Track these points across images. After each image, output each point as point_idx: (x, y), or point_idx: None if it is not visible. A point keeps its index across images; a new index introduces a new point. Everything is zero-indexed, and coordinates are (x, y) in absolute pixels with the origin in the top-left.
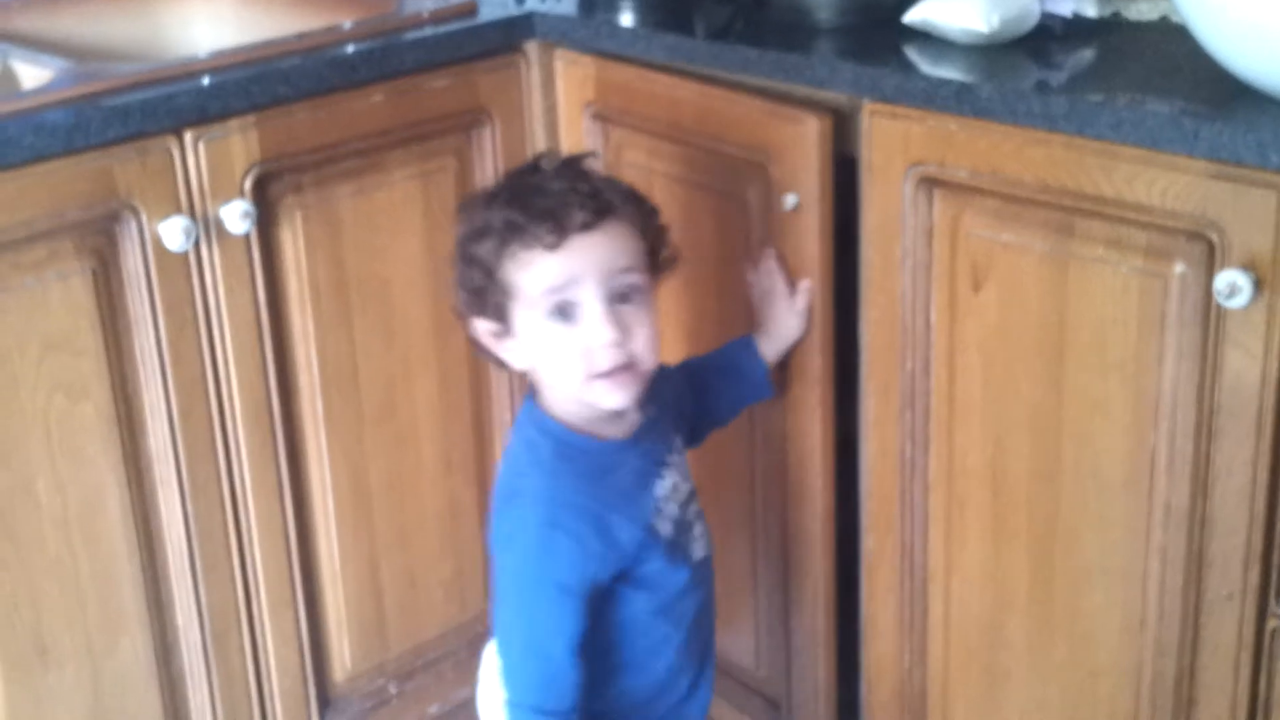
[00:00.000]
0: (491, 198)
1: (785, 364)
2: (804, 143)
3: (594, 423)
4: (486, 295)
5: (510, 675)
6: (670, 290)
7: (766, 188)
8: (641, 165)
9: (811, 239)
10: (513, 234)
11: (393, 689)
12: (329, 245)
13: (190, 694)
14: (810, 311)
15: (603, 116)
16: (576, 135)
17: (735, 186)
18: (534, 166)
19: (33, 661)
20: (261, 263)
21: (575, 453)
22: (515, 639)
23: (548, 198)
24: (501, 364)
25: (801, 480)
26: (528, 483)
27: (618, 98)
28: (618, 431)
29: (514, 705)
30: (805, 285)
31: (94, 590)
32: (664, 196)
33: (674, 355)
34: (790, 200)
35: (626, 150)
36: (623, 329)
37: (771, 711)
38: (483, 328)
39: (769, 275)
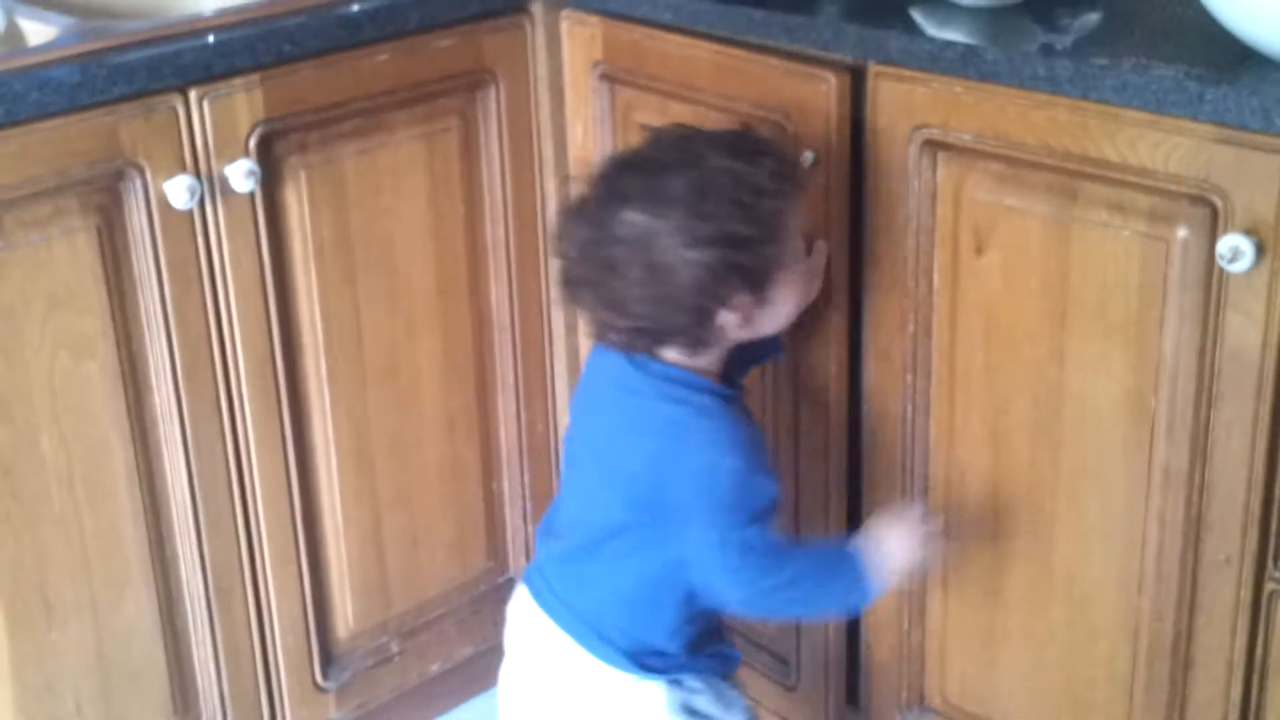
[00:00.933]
0: (724, 171)
1: (802, 323)
2: (824, 100)
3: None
4: (754, 262)
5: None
6: None
7: (783, 146)
8: (651, 125)
9: (830, 196)
10: (783, 180)
11: (395, 647)
12: (333, 204)
13: (194, 650)
14: (826, 270)
15: (610, 76)
16: (583, 96)
17: None
18: (689, 132)
19: (38, 617)
20: (266, 222)
21: (733, 401)
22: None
23: (756, 142)
24: (711, 349)
25: (817, 438)
26: (705, 436)
27: (626, 57)
28: None
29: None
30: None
31: (98, 547)
32: None
33: None
34: (809, 156)
35: (636, 110)
36: None
37: (780, 667)
38: (736, 311)
39: None
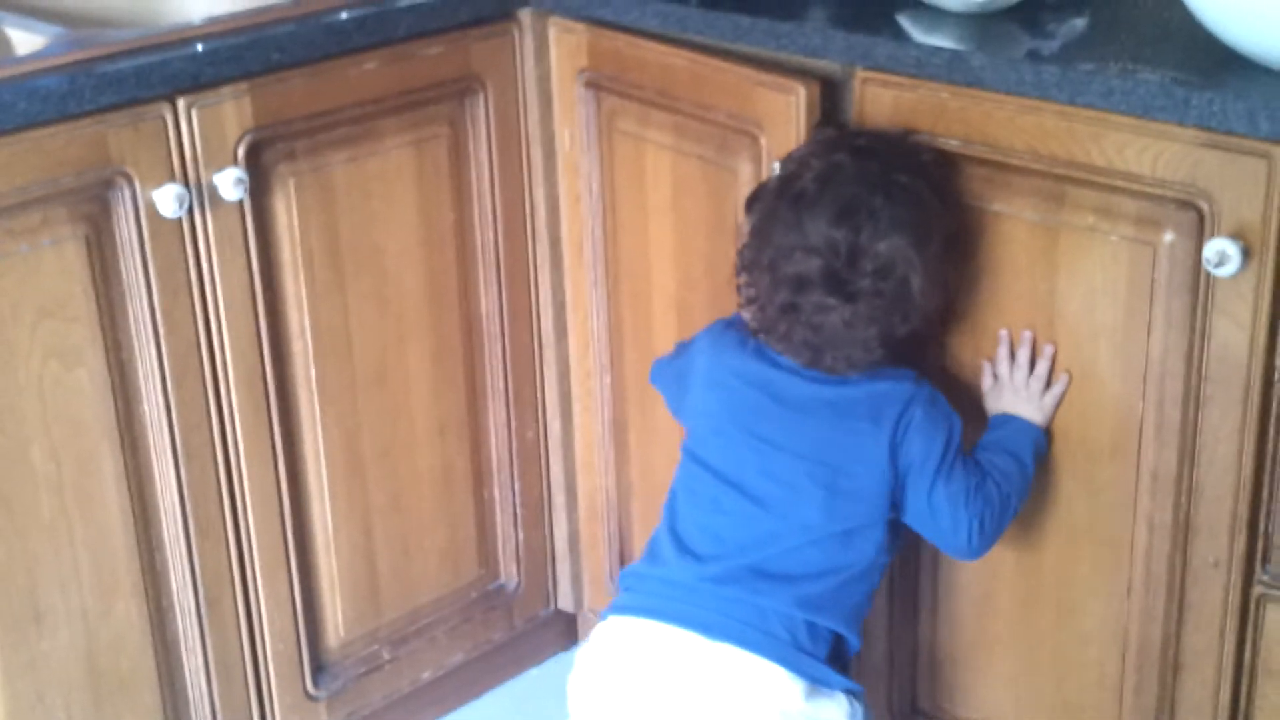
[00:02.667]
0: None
1: None
2: (792, 111)
3: None
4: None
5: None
6: (660, 260)
7: (756, 157)
8: (633, 133)
9: None
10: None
11: (386, 654)
12: (322, 212)
13: (184, 658)
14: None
15: (595, 84)
16: (569, 103)
17: (725, 156)
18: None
19: (28, 626)
20: (255, 230)
21: None
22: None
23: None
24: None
25: None
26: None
27: (610, 65)
28: None
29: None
30: (1064, 379)
31: (88, 556)
32: (655, 165)
33: (665, 324)
34: (776, 168)
35: (619, 118)
36: None
37: None
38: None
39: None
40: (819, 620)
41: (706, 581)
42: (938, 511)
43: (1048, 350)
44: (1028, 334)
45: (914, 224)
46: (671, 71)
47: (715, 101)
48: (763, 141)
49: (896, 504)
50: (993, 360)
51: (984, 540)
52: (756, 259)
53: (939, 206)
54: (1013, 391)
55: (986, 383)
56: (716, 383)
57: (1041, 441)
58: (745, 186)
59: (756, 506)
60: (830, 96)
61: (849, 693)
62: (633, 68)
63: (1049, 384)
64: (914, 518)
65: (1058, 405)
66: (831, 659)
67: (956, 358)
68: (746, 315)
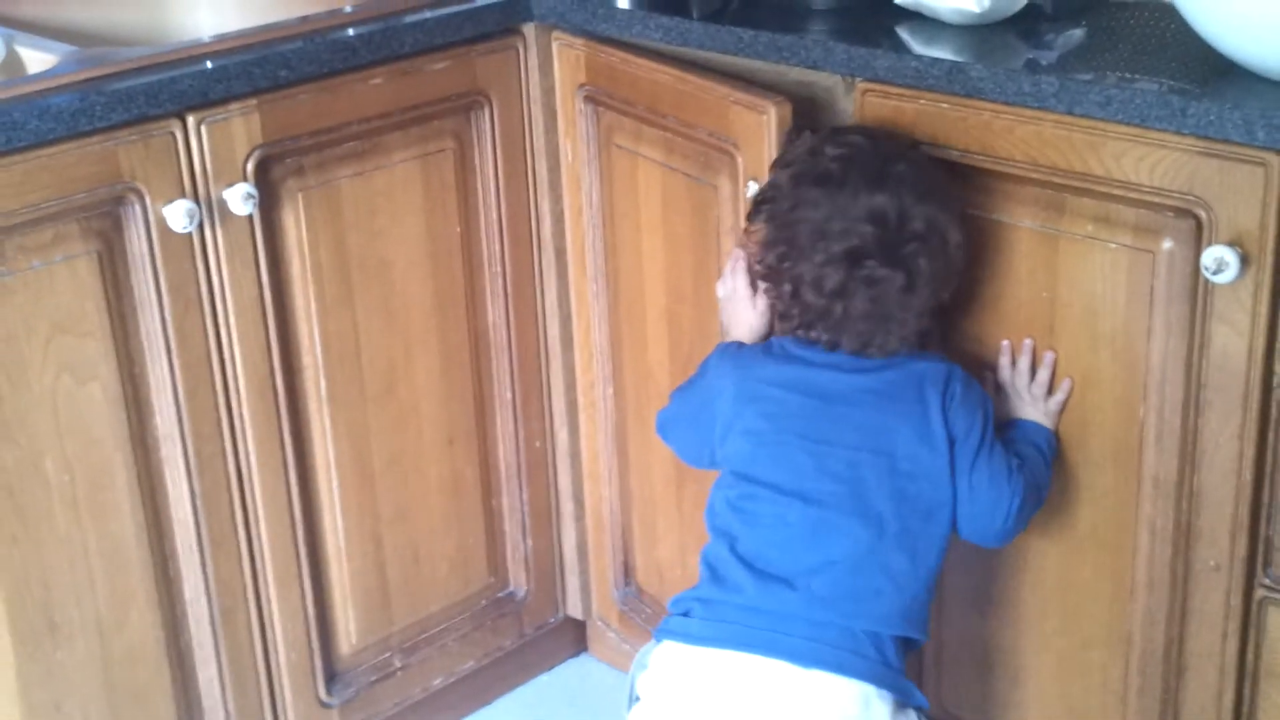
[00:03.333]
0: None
1: None
2: (764, 130)
3: None
4: None
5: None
6: (652, 273)
7: (735, 174)
8: (628, 148)
9: None
10: None
11: (397, 662)
12: (331, 226)
13: (199, 668)
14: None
15: (594, 99)
16: (571, 117)
17: (708, 173)
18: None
19: (43, 637)
20: (264, 244)
21: None
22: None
23: None
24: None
25: None
26: (942, 361)
27: (605, 81)
28: None
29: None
30: (1066, 385)
31: (102, 567)
32: (647, 180)
33: (658, 337)
34: (752, 188)
35: (616, 133)
36: None
37: None
38: None
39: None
40: (906, 633)
41: (796, 606)
42: (977, 490)
43: (1048, 358)
44: (1028, 342)
45: (938, 189)
46: (659, 88)
47: (697, 119)
48: (739, 160)
49: None
50: (994, 369)
51: (1019, 522)
52: (788, 256)
53: (947, 177)
54: (1017, 397)
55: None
56: (752, 397)
57: (1053, 442)
58: (726, 204)
59: (823, 510)
60: (811, 113)
61: (919, 709)
62: (626, 84)
63: (1051, 390)
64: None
65: (1062, 411)
66: (907, 666)
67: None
68: (784, 318)
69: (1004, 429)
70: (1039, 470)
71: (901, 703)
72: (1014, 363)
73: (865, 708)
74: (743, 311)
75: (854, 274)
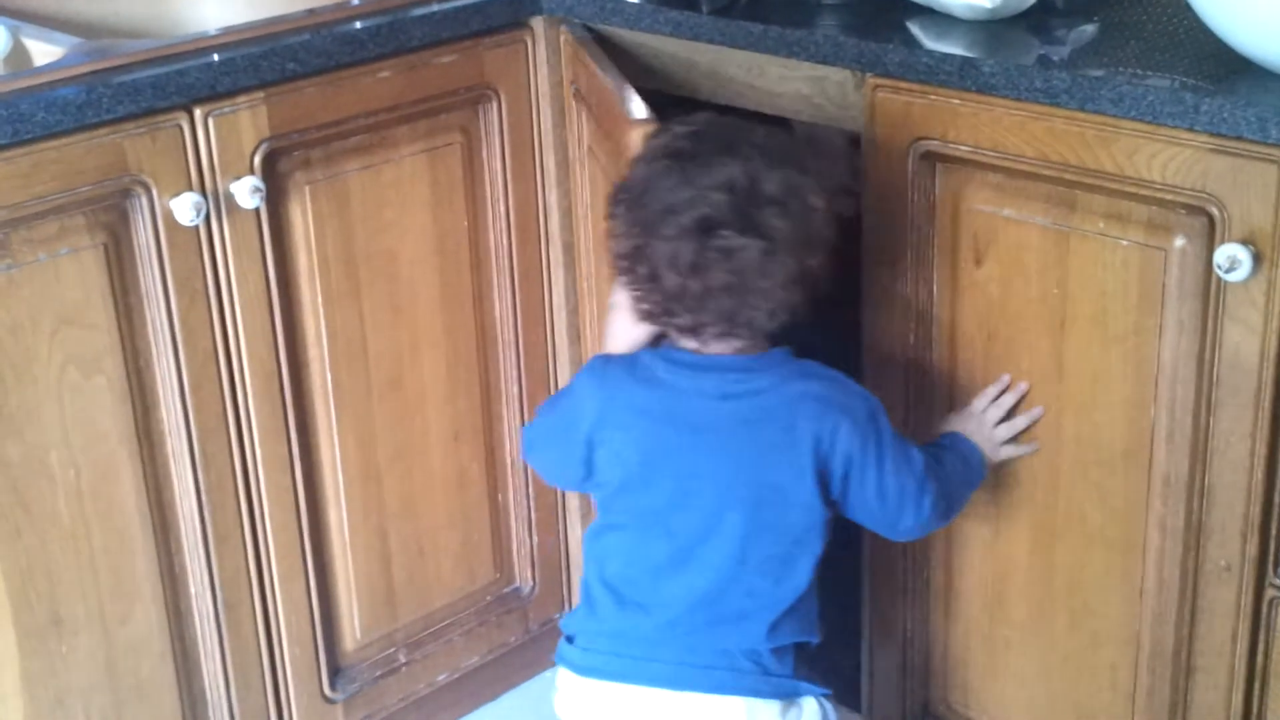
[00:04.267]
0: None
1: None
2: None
3: None
4: None
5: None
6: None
7: None
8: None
9: None
10: None
11: (402, 657)
12: (338, 220)
13: (203, 663)
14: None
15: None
16: (579, 112)
17: None
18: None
19: (47, 631)
20: (271, 237)
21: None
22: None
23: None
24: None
25: None
26: (816, 379)
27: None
28: None
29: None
30: (1020, 421)
31: (107, 561)
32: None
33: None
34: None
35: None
36: None
37: None
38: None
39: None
40: (783, 642)
41: (660, 630)
42: (886, 497)
43: (1021, 386)
44: (1005, 377)
45: (797, 159)
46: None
47: None
48: None
49: (837, 501)
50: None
51: (931, 521)
52: (645, 236)
53: (809, 151)
54: (968, 415)
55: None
56: (620, 424)
57: (982, 462)
58: None
59: (688, 542)
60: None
61: (819, 695)
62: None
63: (1008, 418)
64: (859, 511)
65: (1006, 442)
66: (798, 666)
67: (966, 365)
68: (645, 308)
69: (938, 439)
70: (953, 482)
71: (790, 703)
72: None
73: (748, 717)
74: (621, 322)
75: (708, 244)
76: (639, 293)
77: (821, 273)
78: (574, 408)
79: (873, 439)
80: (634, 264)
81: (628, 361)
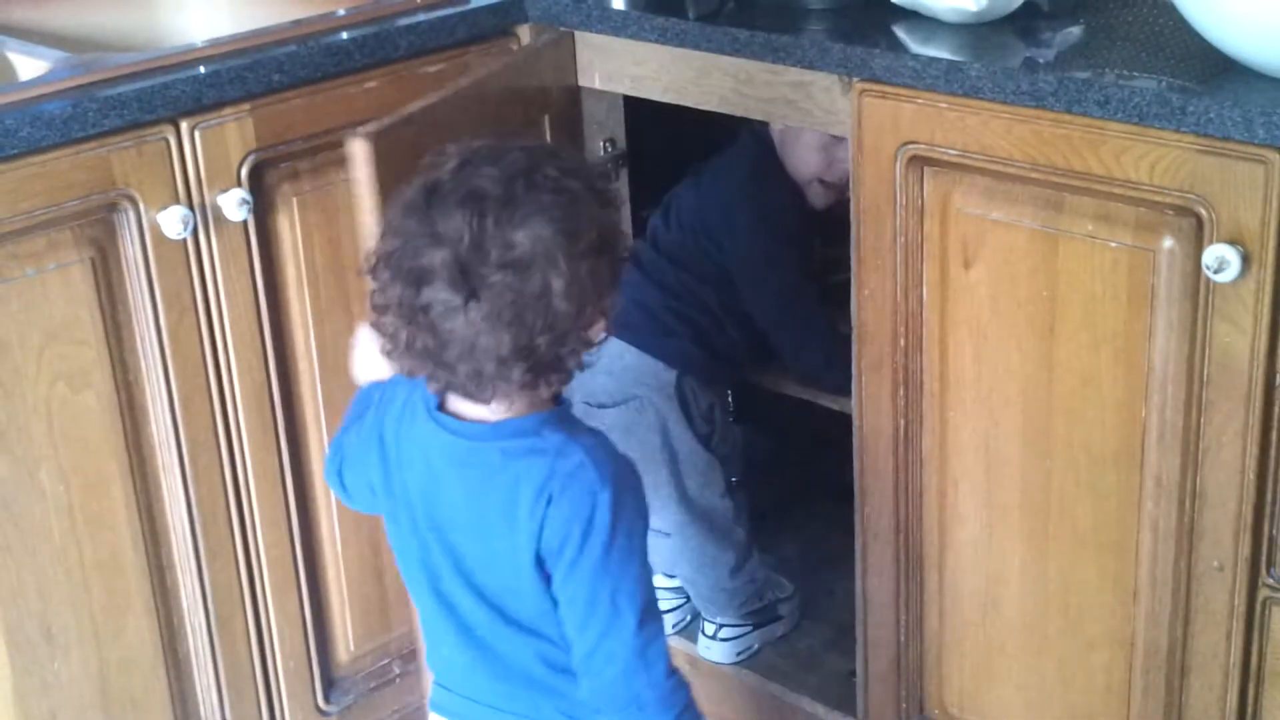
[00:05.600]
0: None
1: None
2: None
3: None
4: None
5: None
6: None
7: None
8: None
9: None
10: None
11: (396, 668)
12: (326, 231)
13: (196, 677)
14: None
15: None
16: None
17: None
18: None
19: (39, 647)
20: (259, 249)
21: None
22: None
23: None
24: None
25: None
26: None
27: None
28: None
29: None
30: None
31: (99, 576)
32: None
33: None
34: None
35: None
36: None
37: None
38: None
39: None
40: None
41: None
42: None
43: None
44: None
45: (560, 216)
46: None
47: None
48: None
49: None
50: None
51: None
52: (382, 260)
53: (593, 202)
54: None
55: None
56: (382, 455)
57: None
58: None
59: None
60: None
61: None
62: None
63: None
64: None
65: None
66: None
67: (956, 369)
68: (375, 331)
69: None
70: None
71: None
72: None
73: None
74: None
75: (420, 299)
76: (384, 341)
77: (574, 343)
78: (366, 396)
79: (579, 538)
80: (374, 289)
81: (404, 397)
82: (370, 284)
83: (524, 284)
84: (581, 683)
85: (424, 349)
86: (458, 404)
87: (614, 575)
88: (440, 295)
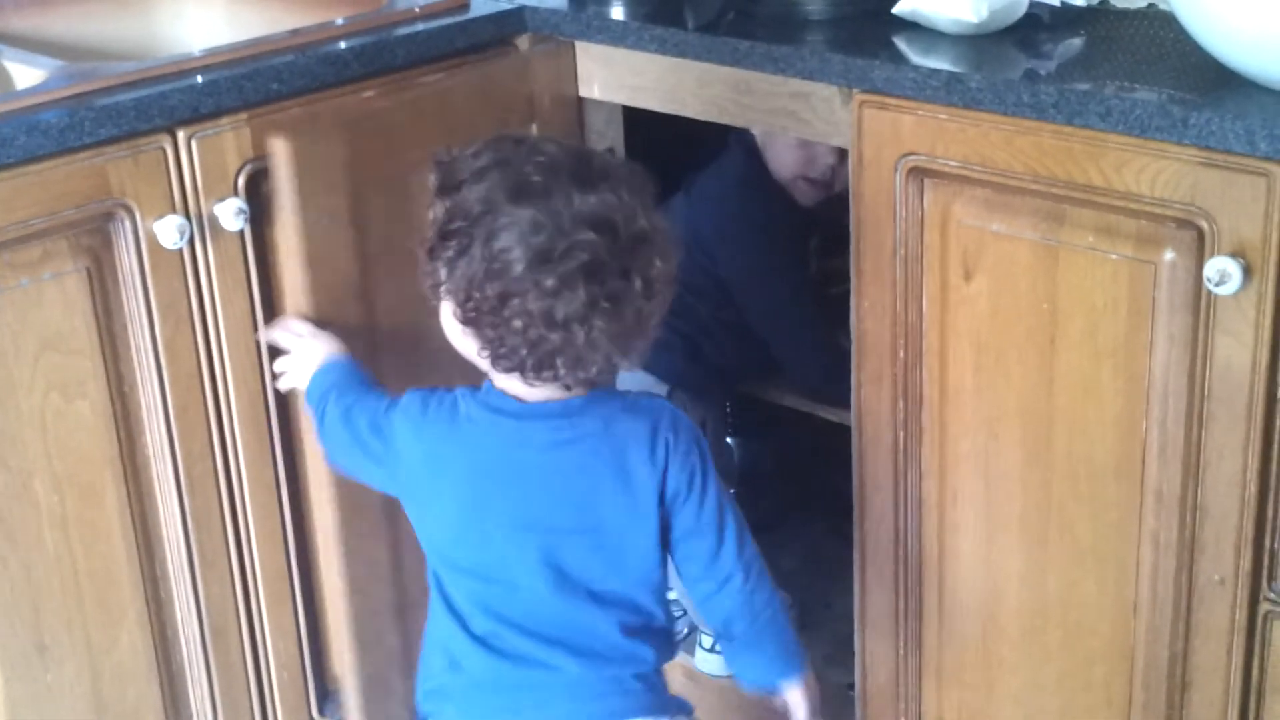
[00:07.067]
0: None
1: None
2: None
3: None
4: None
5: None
6: None
7: None
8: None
9: None
10: None
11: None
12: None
13: (190, 688)
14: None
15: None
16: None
17: None
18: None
19: (33, 659)
20: (256, 260)
21: None
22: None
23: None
24: None
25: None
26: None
27: None
28: None
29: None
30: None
31: (92, 588)
32: None
33: None
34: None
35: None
36: None
37: None
38: None
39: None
40: (659, 661)
41: (541, 678)
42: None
43: None
44: None
45: (641, 181)
46: None
47: None
48: None
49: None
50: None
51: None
52: (508, 291)
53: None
54: None
55: None
56: (444, 473)
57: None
58: None
59: (535, 594)
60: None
61: (687, 714)
62: None
63: None
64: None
65: None
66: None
67: (956, 380)
68: (491, 354)
69: None
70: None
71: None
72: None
73: None
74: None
75: (593, 293)
76: (500, 347)
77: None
78: (385, 447)
79: (700, 469)
80: (498, 317)
81: (448, 408)
82: (480, 302)
83: (664, 252)
84: (735, 582)
85: (596, 338)
86: (515, 388)
87: (722, 490)
88: (613, 285)
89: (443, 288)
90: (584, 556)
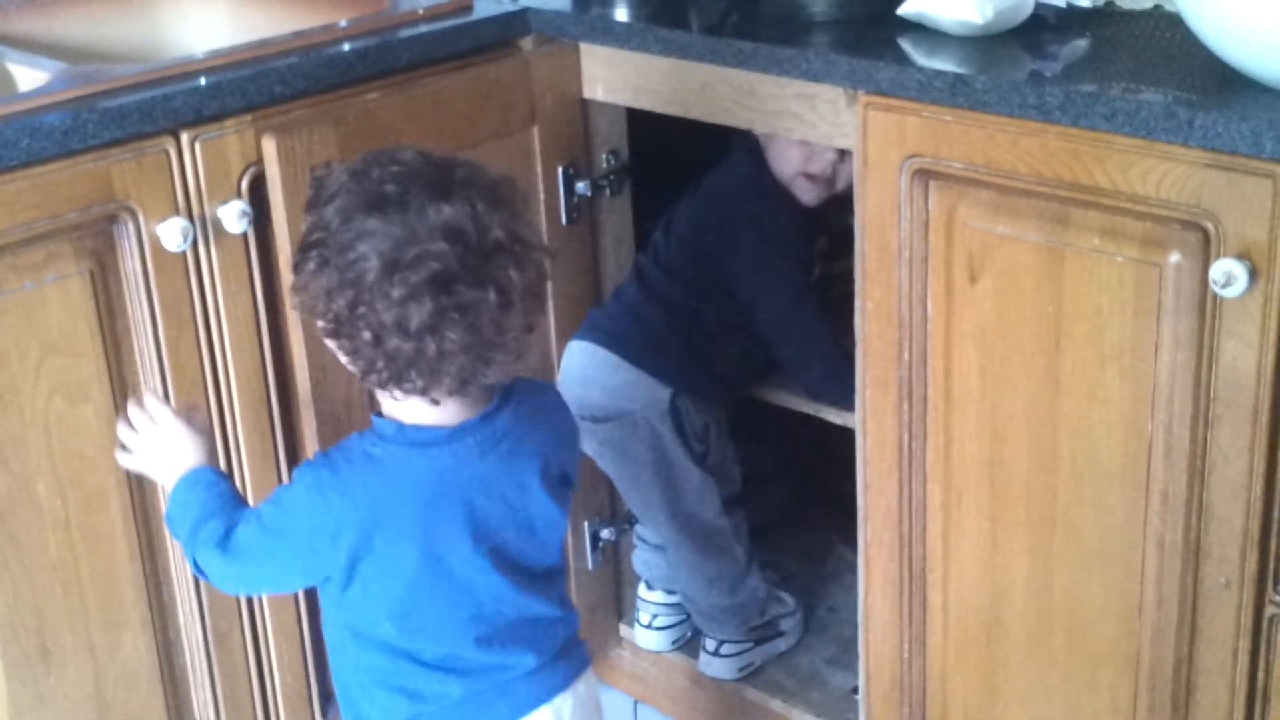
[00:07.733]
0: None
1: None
2: None
3: None
4: None
5: None
6: None
7: None
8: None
9: None
10: None
11: None
12: None
13: (193, 692)
14: None
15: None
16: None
17: None
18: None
19: (36, 662)
20: (259, 262)
21: None
22: None
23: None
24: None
25: None
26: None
27: None
28: None
29: None
30: None
31: (95, 591)
32: None
33: None
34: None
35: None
36: None
37: None
38: None
39: None
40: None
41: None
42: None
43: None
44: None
45: (505, 192)
46: None
47: None
48: None
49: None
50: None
51: None
52: (359, 300)
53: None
54: None
55: None
56: (387, 534)
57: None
58: None
59: (493, 608)
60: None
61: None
62: None
63: None
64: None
65: None
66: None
67: (961, 383)
68: (372, 378)
69: None
70: None
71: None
72: None
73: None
74: (174, 445)
75: (441, 303)
76: (360, 360)
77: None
78: (314, 525)
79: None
80: (353, 329)
81: (362, 457)
82: (335, 317)
83: (520, 261)
84: None
85: (461, 347)
86: (434, 414)
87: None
88: (462, 295)
89: (304, 301)
90: (523, 545)
